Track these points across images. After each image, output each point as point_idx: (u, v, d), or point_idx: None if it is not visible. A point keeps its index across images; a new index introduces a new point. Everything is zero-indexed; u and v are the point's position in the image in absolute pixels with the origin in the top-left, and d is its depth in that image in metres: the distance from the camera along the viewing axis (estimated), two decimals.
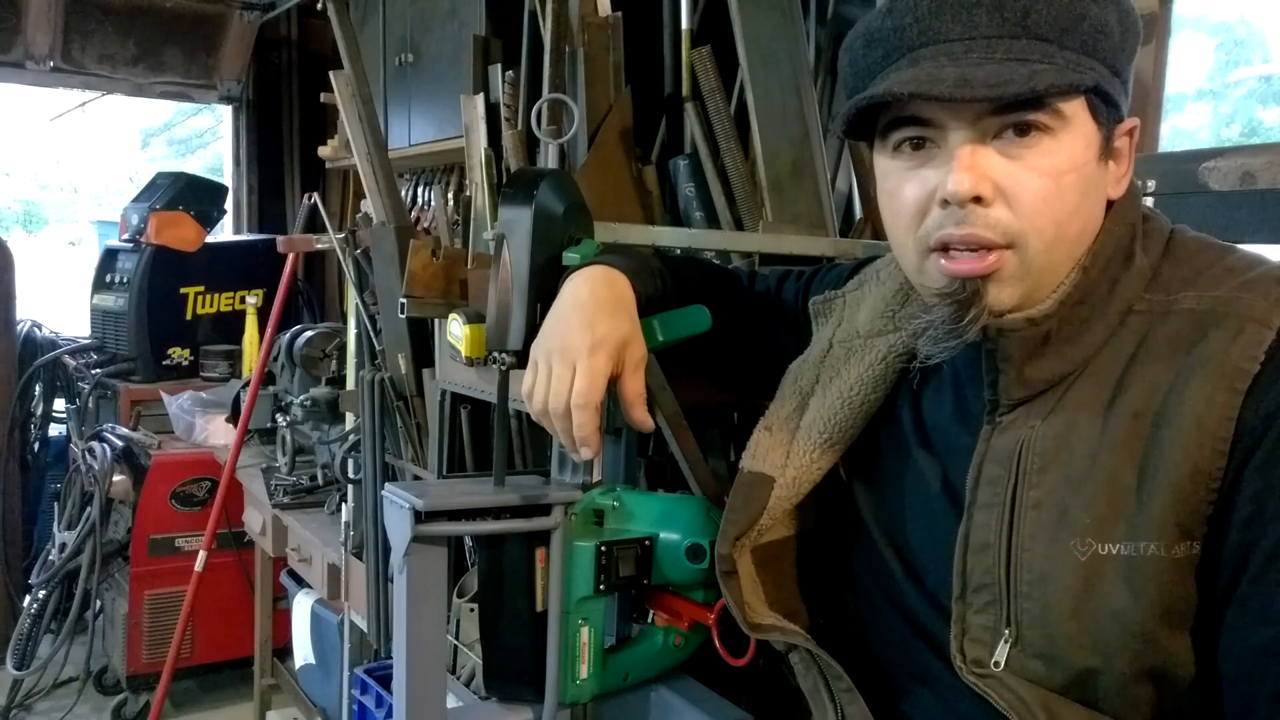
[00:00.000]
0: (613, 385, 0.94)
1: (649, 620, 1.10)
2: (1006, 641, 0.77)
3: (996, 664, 0.78)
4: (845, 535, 0.98)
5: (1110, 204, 0.80)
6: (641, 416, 0.96)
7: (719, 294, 1.10)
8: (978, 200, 0.74)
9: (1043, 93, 0.71)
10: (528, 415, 0.98)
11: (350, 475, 2.18)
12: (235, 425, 2.89)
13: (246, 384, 2.92)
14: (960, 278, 0.76)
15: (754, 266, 1.46)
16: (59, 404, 3.66)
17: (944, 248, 0.76)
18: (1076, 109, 0.74)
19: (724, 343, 1.10)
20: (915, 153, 0.78)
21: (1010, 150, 0.74)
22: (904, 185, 0.79)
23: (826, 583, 1.00)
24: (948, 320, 0.77)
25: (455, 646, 1.56)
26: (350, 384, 2.31)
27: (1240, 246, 0.80)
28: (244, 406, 2.81)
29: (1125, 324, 0.77)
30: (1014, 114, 0.73)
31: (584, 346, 0.92)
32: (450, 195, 2.80)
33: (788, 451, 0.95)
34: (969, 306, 0.76)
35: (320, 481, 2.65)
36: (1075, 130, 0.74)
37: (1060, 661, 0.75)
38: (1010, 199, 0.74)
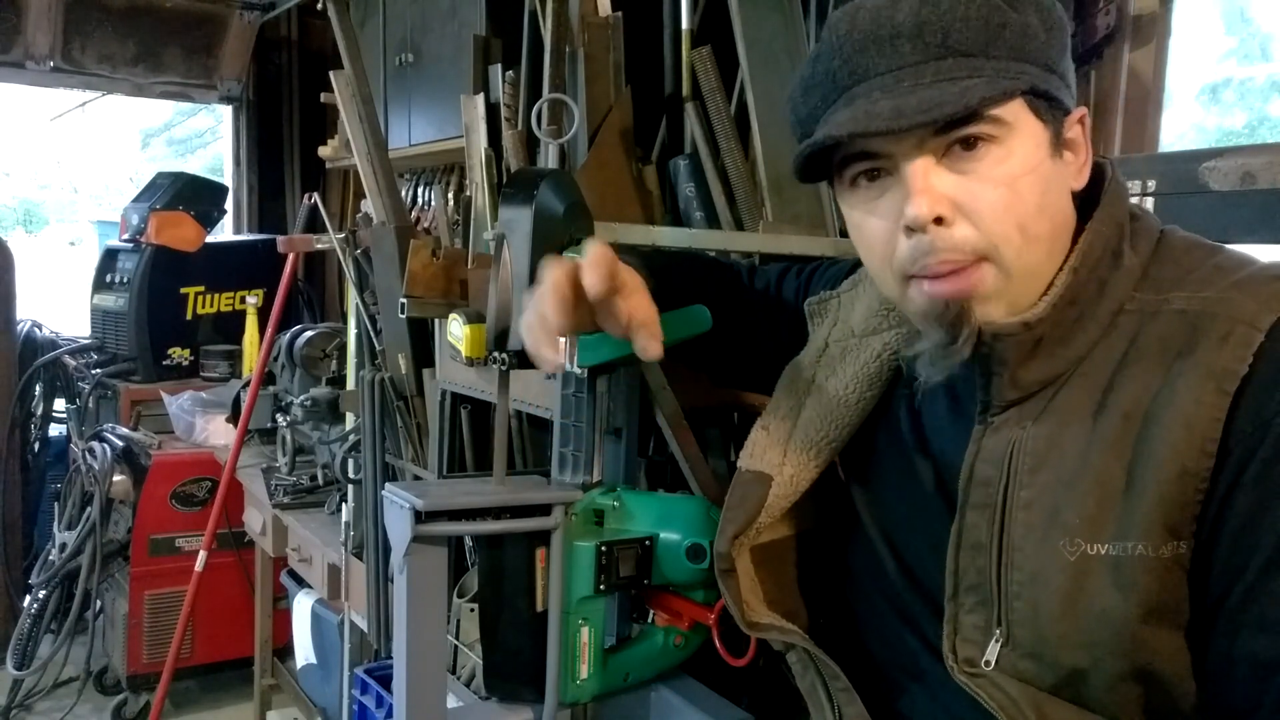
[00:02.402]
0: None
1: (649, 620, 1.10)
2: (997, 641, 0.78)
3: (987, 663, 0.78)
4: (843, 533, 0.98)
5: (1078, 196, 0.80)
6: (650, 339, 0.84)
7: (718, 290, 1.10)
8: (939, 221, 0.74)
9: (976, 106, 0.71)
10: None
11: (350, 475, 2.18)
12: (235, 425, 2.89)
13: (246, 384, 2.92)
14: (943, 299, 0.76)
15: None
16: (59, 404, 3.66)
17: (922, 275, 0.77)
18: (1018, 112, 0.74)
19: (723, 338, 1.09)
20: (872, 184, 0.78)
21: (961, 166, 0.74)
22: (868, 219, 0.79)
23: (826, 582, 1.00)
24: (942, 344, 0.77)
25: (455, 646, 1.56)
26: (350, 384, 2.31)
27: (1230, 246, 0.80)
28: (244, 406, 2.81)
29: (1116, 324, 0.77)
30: (956, 130, 0.73)
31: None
32: (450, 195, 2.80)
33: (785, 450, 0.96)
34: (960, 326, 0.76)
35: (320, 481, 2.65)
36: (1022, 133, 0.74)
37: (1050, 661, 0.76)
38: (970, 214, 0.74)
